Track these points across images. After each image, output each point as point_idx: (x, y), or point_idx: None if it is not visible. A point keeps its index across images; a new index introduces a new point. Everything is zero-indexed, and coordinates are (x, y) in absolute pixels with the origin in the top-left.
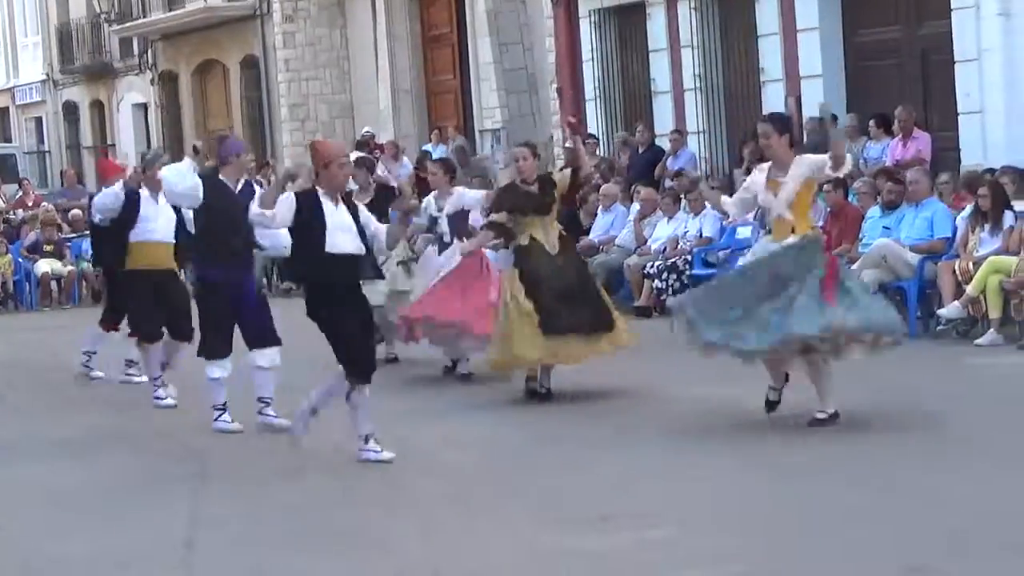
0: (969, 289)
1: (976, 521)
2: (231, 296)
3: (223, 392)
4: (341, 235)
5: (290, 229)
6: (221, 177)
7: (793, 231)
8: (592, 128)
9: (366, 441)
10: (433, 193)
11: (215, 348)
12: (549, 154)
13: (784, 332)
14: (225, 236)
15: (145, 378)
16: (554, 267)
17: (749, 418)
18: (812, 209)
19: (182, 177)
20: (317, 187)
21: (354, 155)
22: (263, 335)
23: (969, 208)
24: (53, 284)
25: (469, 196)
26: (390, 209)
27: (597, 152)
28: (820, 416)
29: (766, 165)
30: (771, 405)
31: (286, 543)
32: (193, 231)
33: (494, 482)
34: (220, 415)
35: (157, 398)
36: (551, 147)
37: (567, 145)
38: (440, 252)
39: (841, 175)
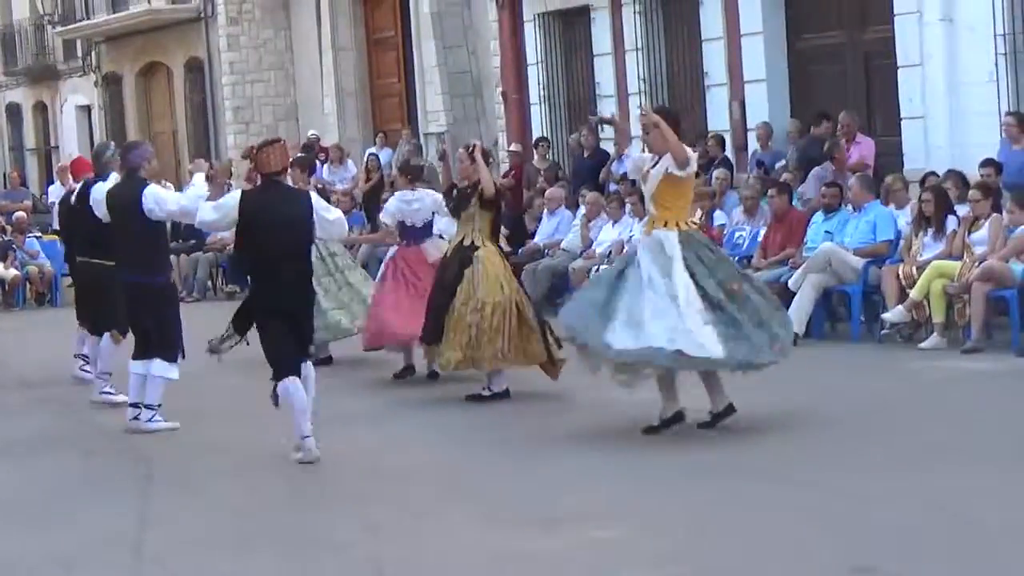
0: (913, 293)
1: (922, 521)
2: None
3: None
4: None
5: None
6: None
7: (659, 224)
8: (537, 132)
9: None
10: (396, 195)
11: (181, 348)
12: (495, 157)
13: (642, 345)
14: (164, 242)
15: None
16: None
17: (694, 422)
18: (690, 206)
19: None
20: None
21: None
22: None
23: (908, 210)
24: None
25: (429, 200)
26: None
27: (548, 156)
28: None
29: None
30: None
31: (233, 544)
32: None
33: (439, 483)
34: (155, 415)
35: (109, 393)
36: (496, 152)
37: (511, 149)
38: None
39: (681, 173)
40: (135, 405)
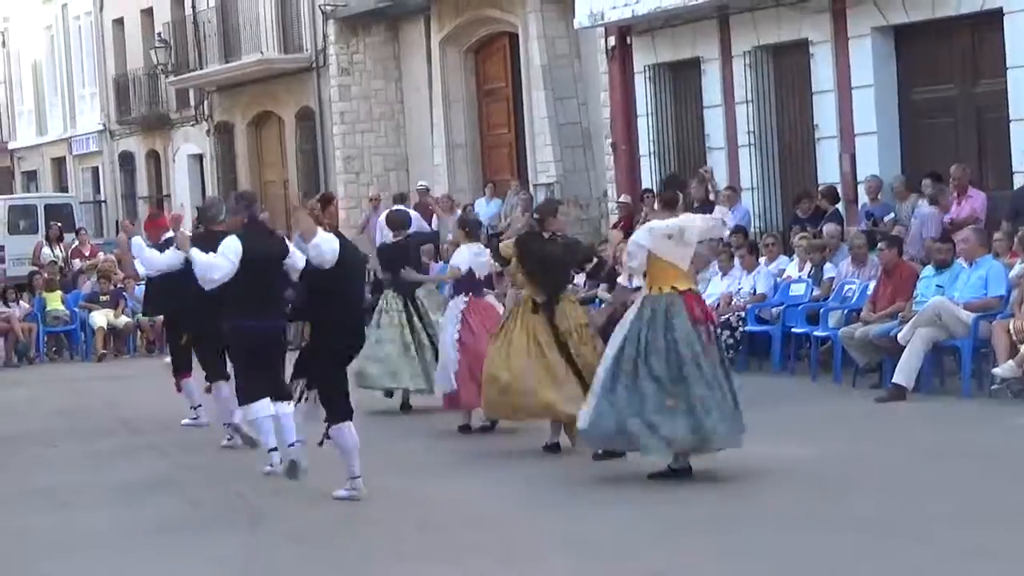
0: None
1: None
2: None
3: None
4: None
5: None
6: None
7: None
8: (646, 183)
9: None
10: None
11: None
12: (603, 209)
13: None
14: (258, 287)
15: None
16: None
17: (796, 472)
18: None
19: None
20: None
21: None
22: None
23: (1020, 267)
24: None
25: (479, 260)
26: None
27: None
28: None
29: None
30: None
31: None
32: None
33: (537, 533)
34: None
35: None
36: (604, 202)
37: (620, 200)
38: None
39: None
40: (273, 450)
